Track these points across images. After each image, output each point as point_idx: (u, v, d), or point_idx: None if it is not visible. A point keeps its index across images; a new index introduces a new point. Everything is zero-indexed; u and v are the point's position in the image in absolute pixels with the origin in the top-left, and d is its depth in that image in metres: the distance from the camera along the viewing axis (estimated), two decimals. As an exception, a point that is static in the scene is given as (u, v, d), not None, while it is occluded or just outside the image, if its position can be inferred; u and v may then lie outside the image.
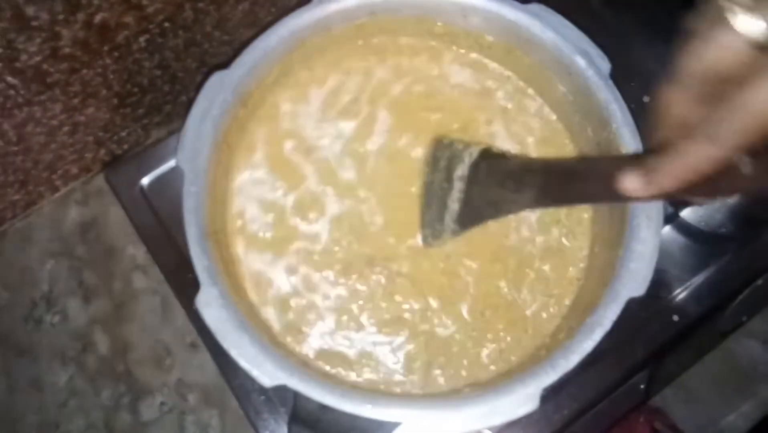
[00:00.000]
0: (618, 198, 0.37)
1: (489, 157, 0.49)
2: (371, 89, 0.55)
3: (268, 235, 0.51)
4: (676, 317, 0.55)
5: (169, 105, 0.71)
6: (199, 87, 0.73)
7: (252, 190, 0.52)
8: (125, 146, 0.71)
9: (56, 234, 0.71)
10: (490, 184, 0.47)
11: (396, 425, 0.42)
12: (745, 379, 0.63)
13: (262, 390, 0.55)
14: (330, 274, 0.50)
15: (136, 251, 0.71)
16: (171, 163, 0.62)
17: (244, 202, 0.52)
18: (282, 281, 0.51)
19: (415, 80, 0.56)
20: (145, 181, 0.62)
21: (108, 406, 0.69)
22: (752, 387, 0.63)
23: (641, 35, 0.64)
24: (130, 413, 0.68)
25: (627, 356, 0.42)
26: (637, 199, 0.36)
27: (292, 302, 0.50)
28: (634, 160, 0.37)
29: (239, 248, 0.51)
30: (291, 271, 0.51)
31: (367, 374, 0.48)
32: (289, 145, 0.53)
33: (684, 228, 0.58)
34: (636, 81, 0.52)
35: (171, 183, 0.61)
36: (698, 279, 0.58)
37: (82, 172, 0.71)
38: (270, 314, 0.49)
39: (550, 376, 0.41)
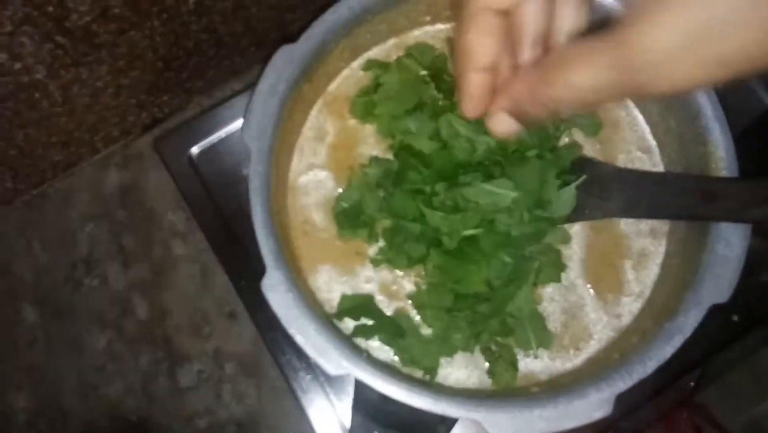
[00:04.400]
0: (713, 218, 0.36)
1: (577, 162, 0.48)
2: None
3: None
4: (736, 317, 0.55)
5: (213, 70, 0.69)
6: (244, 51, 0.71)
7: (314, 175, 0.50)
8: (167, 111, 0.70)
9: (96, 197, 0.70)
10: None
11: (457, 419, 0.41)
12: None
13: (310, 369, 0.55)
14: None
15: (176, 218, 0.70)
16: (220, 134, 0.61)
17: (306, 186, 0.50)
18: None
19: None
20: (195, 150, 0.61)
21: (146, 371, 0.69)
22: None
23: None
24: (167, 379, 0.69)
25: (683, 354, 0.42)
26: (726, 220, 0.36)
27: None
28: (726, 182, 0.36)
29: (300, 238, 0.49)
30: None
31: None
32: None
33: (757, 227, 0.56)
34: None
35: (221, 154, 0.60)
36: (763, 279, 0.57)
37: (123, 134, 0.69)
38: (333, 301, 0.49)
39: (626, 381, 0.40)
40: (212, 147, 0.60)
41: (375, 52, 0.53)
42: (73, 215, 0.70)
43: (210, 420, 0.68)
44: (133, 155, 0.71)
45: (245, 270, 0.59)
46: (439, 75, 0.52)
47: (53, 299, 0.70)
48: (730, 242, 0.43)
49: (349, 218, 0.49)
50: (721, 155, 0.45)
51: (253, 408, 0.68)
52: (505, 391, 0.45)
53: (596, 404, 0.40)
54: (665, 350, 0.41)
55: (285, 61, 0.45)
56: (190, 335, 0.69)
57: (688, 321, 0.41)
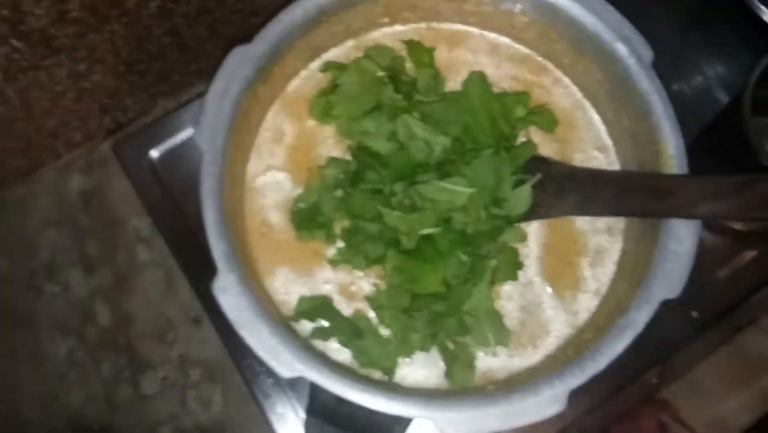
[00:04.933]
0: (664, 215, 0.36)
1: (531, 160, 0.49)
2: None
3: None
4: (695, 313, 0.55)
5: (178, 74, 0.69)
6: (209, 56, 0.71)
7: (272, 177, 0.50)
8: (131, 115, 0.69)
9: (58, 202, 0.69)
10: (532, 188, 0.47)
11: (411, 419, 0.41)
12: (752, 373, 0.63)
13: (271, 373, 0.55)
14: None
15: (140, 223, 0.69)
16: (182, 136, 0.60)
17: (263, 187, 0.50)
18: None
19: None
20: (154, 153, 0.60)
21: (108, 379, 0.68)
22: (759, 381, 0.63)
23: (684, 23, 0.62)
24: (131, 387, 0.68)
25: (643, 351, 0.42)
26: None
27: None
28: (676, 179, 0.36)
29: (257, 240, 0.49)
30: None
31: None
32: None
33: (709, 223, 0.57)
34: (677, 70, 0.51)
35: (181, 157, 0.60)
36: (721, 275, 0.57)
37: (86, 139, 0.68)
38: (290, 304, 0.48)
39: (578, 377, 0.40)
40: (173, 151, 0.60)
41: (333, 54, 0.53)
42: (35, 221, 0.69)
43: (174, 427, 0.67)
44: (97, 160, 0.70)
45: (208, 275, 0.59)
46: (398, 76, 0.52)
47: (14, 307, 0.68)
48: (681, 237, 0.43)
49: (306, 219, 0.49)
50: (672, 153, 0.46)
51: (218, 415, 0.67)
52: (461, 390, 0.45)
53: (549, 400, 0.40)
54: (617, 346, 0.41)
55: (239, 62, 0.45)
56: (154, 341, 0.68)
57: (640, 317, 0.42)
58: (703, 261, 0.46)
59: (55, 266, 0.69)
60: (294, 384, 0.55)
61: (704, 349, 0.58)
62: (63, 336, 0.68)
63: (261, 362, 0.49)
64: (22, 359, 0.67)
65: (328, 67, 0.52)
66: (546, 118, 0.52)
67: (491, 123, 0.50)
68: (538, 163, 0.49)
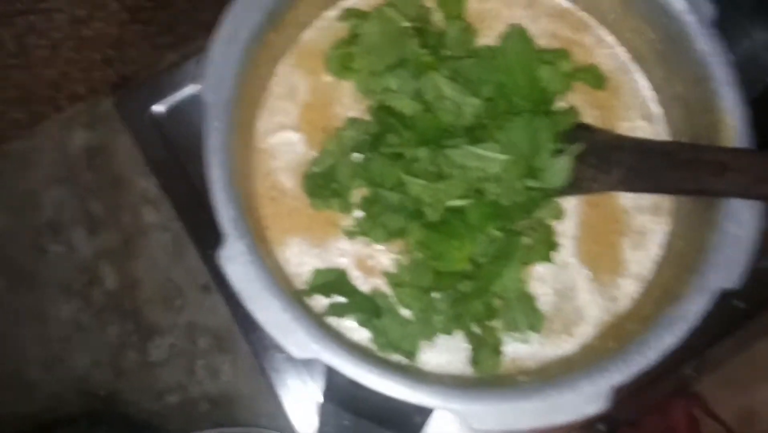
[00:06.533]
0: (723, 194, 0.31)
1: (574, 129, 0.43)
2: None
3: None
4: (741, 304, 0.51)
5: (185, 24, 0.64)
6: (220, 4, 0.66)
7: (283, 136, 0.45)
8: (136, 67, 0.65)
9: (61, 158, 0.66)
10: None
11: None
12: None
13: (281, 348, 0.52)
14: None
15: (147, 184, 0.66)
16: (187, 91, 0.55)
17: (274, 148, 0.45)
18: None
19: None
20: (158, 108, 0.55)
21: (114, 343, 0.66)
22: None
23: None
24: (137, 353, 0.66)
25: (683, 342, 0.38)
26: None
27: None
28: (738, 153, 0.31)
29: (267, 205, 0.45)
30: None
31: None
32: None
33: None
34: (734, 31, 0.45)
35: (187, 113, 0.55)
36: (766, 264, 0.53)
37: (90, 93, 0.65)
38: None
39: (623, 373, 0.36)
40: (178, 106, 0.55)
41: (353, 2, 0.48)
42: (37, 177, 0.66)
43: (182, 396, 0.65)
44: (101, 115, 0.66)
45: (216, 241, 0.55)
46: (425, 28, 0.46)
47: (17, 265, 0.66)
48: (742, 220, 0.38)
49: (320, 185, 0.44)
50: (732, 123, 0.40)
51: (227, 385, 0.65)
52: (489, 379, 0.41)
53: (589, 397, 0.36)
54: (667, 339, 0.37)
55: (248, 5, 0.40)
56: (161, 307, 0.66)
57: (694, 307, 0.37)
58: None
59: (58, 225, 0.66)
60: (306, 361, 0.52)
61: (743, 341, 0.54)
62: (67, 298, 0.66)
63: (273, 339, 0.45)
64: (26, 320, 0.65)
65: (347, 15, 0.47)
66: (593, 73, 0.47)
67: (530, 84, 0.44)
68: (579, 131, 0.44)
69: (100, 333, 0.65)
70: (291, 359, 0.54)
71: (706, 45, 0.42)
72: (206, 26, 0.66)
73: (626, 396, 0.50)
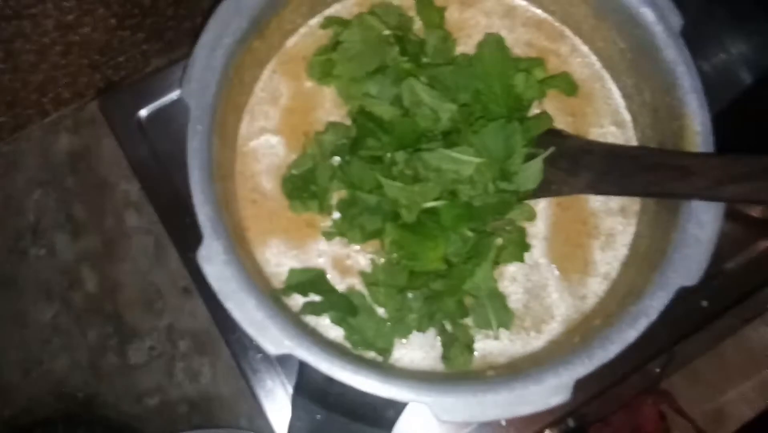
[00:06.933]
0: (686, 196, 0.33)
1: (545, 134, 0.45)
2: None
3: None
4: (705, 303, 0.52)
5: (172, 31, 0.65)
6: (207, 13, 0.67)
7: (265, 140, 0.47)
8: (122, 73, 0.66)
9: (45, 162, 0.67)
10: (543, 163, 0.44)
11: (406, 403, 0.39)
12: (755, 366, 0.61)
13: (260, 348, 0.52)
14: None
15: (130, 187, 0.67)
16: (173, 96, 0.57)
17: (256, 151, 0.47)
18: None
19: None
20: (143, 113, 0.57)
21: (94, 346, 0.66)
22: (761, 374, 0.61)
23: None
24: (117, 356, 0.66)
25: (649, 340, 0.40)
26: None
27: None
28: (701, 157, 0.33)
29: (248, 207, 0.46)
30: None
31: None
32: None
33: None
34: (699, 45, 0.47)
35: (172, 118, 0.56)
36: (733, 264, 0.54)
37: (75, 97, 0.65)
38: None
39: (586, 366, 0.38)
40: (163, 111, 0.56)
41: (335, 9, 0.49)
42: (20, 181, 0.66)
43: (161, 399, 0.65)
44: (85, 120, 0.67)
45: (197, 244, 0.56)
46: (405, 36, 0.48)
47: (-3, 268, 0.66)
48: (702, 221, 0.40)
49: (299, 187, 0.46)
50: (697, 129, 0.43)
51: (206, 387, 0.65)
52: (459, 374, 0.42)
53: (553, 389, 0.37)
54: (629, 334, 0.38)
55: (233, 11, 0.42)
56: (141, 310, 0.66)
57: (654, 304, 0.39)
58: (716, 249, 0.43)
59: (40, 228, 0.66)
60: (283, 361, 0.53)
61: (710, 340, 0.56)
62: (47, 301, 0.66)
63: (250, 337, 0.46)
64: (4, 323, 0.65)
65: (329, 22, 0.49)
66: (565, 81, 0.49)
67: (505, 91, 0.46)
68: (551, 136, 0.46)
69: (79, 336, 0.65)
70: (269, 360, 0.54)
71: (673, 54, 0.44)
72: (194, 33, 0.68)
73: (596, 393, 0.52)
